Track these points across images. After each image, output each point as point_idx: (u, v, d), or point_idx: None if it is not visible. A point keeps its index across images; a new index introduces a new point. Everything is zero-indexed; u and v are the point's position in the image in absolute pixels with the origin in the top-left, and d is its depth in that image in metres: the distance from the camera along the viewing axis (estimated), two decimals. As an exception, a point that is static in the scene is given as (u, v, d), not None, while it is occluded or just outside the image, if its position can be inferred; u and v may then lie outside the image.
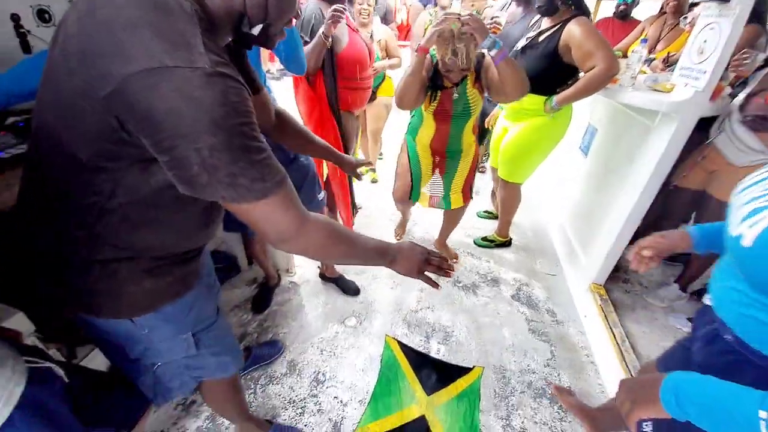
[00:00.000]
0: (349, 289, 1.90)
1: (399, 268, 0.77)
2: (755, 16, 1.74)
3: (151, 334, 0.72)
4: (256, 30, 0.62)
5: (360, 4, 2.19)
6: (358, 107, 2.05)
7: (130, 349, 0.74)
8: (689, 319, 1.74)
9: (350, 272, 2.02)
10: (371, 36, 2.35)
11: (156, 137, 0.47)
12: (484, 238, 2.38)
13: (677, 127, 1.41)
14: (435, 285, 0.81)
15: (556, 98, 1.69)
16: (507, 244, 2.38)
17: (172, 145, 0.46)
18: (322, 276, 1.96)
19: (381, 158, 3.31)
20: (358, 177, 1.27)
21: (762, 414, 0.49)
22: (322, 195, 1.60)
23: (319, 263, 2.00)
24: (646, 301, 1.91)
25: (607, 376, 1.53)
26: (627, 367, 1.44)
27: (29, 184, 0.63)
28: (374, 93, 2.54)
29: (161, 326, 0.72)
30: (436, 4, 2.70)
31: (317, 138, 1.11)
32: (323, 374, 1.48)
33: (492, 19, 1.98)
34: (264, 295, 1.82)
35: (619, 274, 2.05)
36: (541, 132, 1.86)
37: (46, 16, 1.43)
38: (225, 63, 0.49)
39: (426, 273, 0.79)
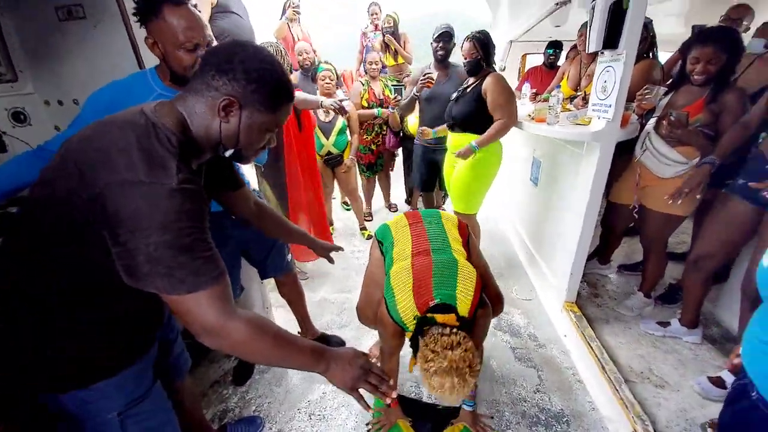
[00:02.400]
0: (333, 345, 1.87)
1: (332, 378, 0.74)
2: (648, 53, 2.11)
3: (78, 411, 0.73)
4: (229, 153, 0.76)
5: (322, 80, 2.56)
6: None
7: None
8: (659, 323, 1.84)
9: (333, 327, 2.00)
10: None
11: (116, 231, 0.58)
12: None
13: (601, 152, 1.63)
14: (366, 407, 0.77)
15: (474, 142, 2.05)
16: None
17: (127, 238, 0.58)
18: None
19: (370, 220, 3.46)
20: (330, 260, 1.39)
21: None
22: (289, 257, 1.67)
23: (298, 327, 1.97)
24: (617, 312, 2.00)
25: (594, 392, 1.56)
26: (609, 378, 1.49)
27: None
28: (340, 157, 2.76)
29: (90, 404, 0.74)
30: (366, 72, 3.05)
31: (293, 225, 1.28)
32: (314, 440, 1.41)
33: (425, 75, 2.30)
34: (245, 364, 1.75)
35: (589, 290, 2.17)
36: (480, 167, 2.15)
37: (22, 116, 1.52)
38: (190, 181, 0.63)
39: (359, 390, 0.76)
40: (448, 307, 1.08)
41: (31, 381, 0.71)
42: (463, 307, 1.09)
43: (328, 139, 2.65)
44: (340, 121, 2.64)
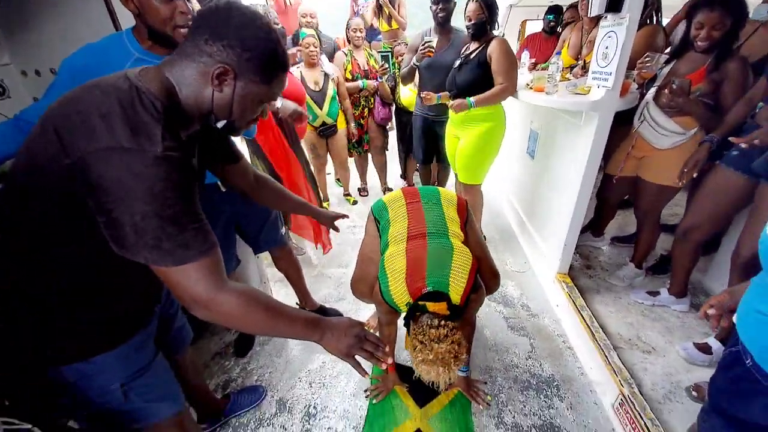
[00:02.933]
0: (331, 316, 1.90)
1: (327, 346, 0.75)
2: (652, 18, 2.03)
3: (80, 383, 0.75)
4: (221, 124, 0.73)
5: (306, 47, 2.40)
6: (300, 137, 2.27)
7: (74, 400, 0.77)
8: (649, 293, 1.88)
9: (330, 301, 2.03)
10: (325, 74, 2.53)
11: (100, 200, 0.56)
12: None
13: (599, 122, 1.60)
14: (363, 372, 0.78)
15: (472, 99, 1.98)
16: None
17: (112, 207, 0.56)
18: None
19: (366, 195, 3.43)
20: (336, 229, 1.37)
21: None
22: (283, 231, 1.66)
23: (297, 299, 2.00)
24: (608, 282, 2.04)
25: (583, 357, 1.62)
26: (599, 345, 1.54)
27: None
28: (335, 127, 2.70)
29: (91, 376, 0.75)
30: (349, 41, 2.89)
31: (294, 195, 1.25)
32: (314, 407, 1.47)
33: (425, 43, 2.19)
34: (245, 336, 1.79)
35: (582, 262, 2.20)
36: (488, 136, 2.12)
37: (0, 89, 1.46)
38: (176, 149, 0.60)
39: (356, 357, 0.76)
40: (441, 295, 1.09)
41: (35, 354, 0.71)
42: (456, 294, 1.10)
43: (321, 109, 2.56)
44: (331, 88, 2.55)
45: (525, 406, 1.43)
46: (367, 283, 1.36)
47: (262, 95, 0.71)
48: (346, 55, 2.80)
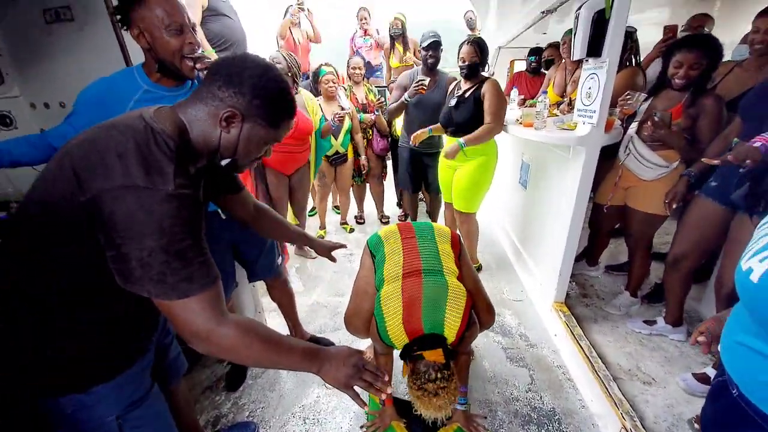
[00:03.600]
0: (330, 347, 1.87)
1: (326, 377, 0.74)
2: (631, 60, 2.18)
3: (77, 414, 0.73)
4: (225, 162, 0.77)
5: (326, 83, 2.58)
6: (286, 170, 2.33)
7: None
8: (645, 322, 1.89)
9: (326, 330, 1.99)
10: (342, 109, 2.63)
11: (110, 235, 0.58)
12: None
13: (586, 156, 1.68)
14: (362, 404, 0.77)
15: (462, 141, 2.13)
16: (479, 269, 2.59)
17: (121, 242, 0.58)
18: None
19: (362, 223, 3.47)
20: (333, 259, 1.38)
21: None
22: (280, 260, 1.67)
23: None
24: (605, 311, 2.05)
25: (583, 389, 1.59)
26: (599, 376, 1.52)
27: None
28: (345, 156, 2.86)
29: (89, 407, 0.74)
30: (349, 78, 3.04)
31: (292, 225, 1.28)
32: (308, 444, 1.41)
33: (418, 81, 2.35)
34: (237, 370, 1.73)
35: (578, 290, 2.21)
36: (483, 168, 2.25)
37: (7, 120, 1.50)
38: (187, 186, 0.63)
39: (355, 388, 0.76)
40: (436, 338, 1.11)
41: (31, 383, 0.70)
42: (451, 332, 1.13)
43: (336, 139, 2.73)
44: (347, 122, 2.70)
45: (527, 442, 1.39)
46: (361, 317, 1.36)
47: (267, 137, 0.76)
48: (346, 90, 2.96)
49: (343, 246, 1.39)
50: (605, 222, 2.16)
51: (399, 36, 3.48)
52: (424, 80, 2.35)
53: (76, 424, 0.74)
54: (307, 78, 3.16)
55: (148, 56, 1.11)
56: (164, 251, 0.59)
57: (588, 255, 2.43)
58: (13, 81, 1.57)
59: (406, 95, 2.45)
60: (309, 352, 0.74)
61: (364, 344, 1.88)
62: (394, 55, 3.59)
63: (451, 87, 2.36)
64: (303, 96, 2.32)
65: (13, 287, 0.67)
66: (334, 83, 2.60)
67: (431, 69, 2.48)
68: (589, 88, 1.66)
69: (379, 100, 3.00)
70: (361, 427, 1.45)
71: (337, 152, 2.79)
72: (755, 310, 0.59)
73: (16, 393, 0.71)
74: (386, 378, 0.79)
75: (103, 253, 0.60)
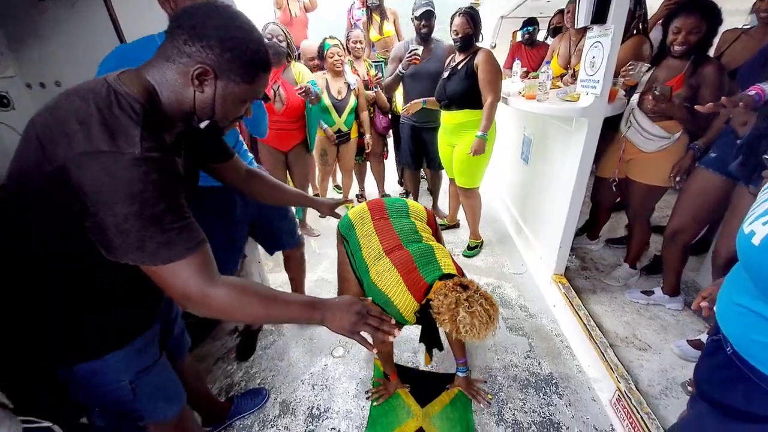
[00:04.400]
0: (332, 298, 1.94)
1: (331, 325, 0.74)
2: (638, 29, 2.11)
3: (92, 380, 0.77)
4: (203, 124, 0.73)
5: (331, 57, 2.47)
6: (282, 146, 2.34)
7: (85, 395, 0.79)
8: (643, 292, 1.93)
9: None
10: (348, 85, 2.57)
11: (83, 204, 0.57)
12: (469, 247, 2.58)
13: (588, 127, 1.66)
14: (369, 347, 0.78)
15: (480, 132, 2.07)
16: (481, 245, 2.61)
17: (95, 211, 0.57)
18: None
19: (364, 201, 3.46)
20: (337, 216, 1.37)
21: None
22: (299, 231, 1.71)
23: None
24: (604, 283, 2.09)
25: (581, 356, 1.65)
26: (596, 343, 1.57)
27: None
28: (349, 135, 2.77)
29: (103, 373, 0.78)
30: (349, 52, 2.88)
31: (290, 188, 1.22)
32: (317, 408, 1.48)
33: (411, 51, 2.30)
34: (248, 342, 1.81)
35: (578, 263, 2.25)
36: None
37: (5, 100, 1.49)
38: (157, 149, 0.60)
39: (361, 333, 0.76)
40: (444, 277, 1.12)
41: (49, 353, 0.74)
42: (451, 270, 1.16)
43: (340, 116, 2.63)
44: (353, 100, 2.62)
45: (525, 404, 1.46)
46: None
47: (244, 95, 0.71)
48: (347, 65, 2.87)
49: (349, 201, 1.36)
50: (606, 196, 2.16)
51: (376, 7, 3.33)
52: (417, 50, 2.29)
53: (93, 389, 0.79)
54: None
55: None
56: (138, 217, 0.57)
57: (589, 229, 2.45)
58: (7, 61, 1.55)
59: (400, 67, 2.39)
60: (308, 303, 0.75)
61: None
62: (373, 27, 3.46)
63: (448, 59, 2.30)
64: (293, 69, 2.24)
65: (18, 262, 0.69)
66: (340, 57, 2.47)
67: (424, 39, 2.41)
68: (593, 57, 1.62)
69: (376, 75, 2.93)
70: (367, 392, 1.53)
71: (340, 130, 2.71)
72: (755, 272, 0.59)
73: (39, 365, 0.76)
74: (392, 321, 0.78)
75: (82, 225, 0.59)
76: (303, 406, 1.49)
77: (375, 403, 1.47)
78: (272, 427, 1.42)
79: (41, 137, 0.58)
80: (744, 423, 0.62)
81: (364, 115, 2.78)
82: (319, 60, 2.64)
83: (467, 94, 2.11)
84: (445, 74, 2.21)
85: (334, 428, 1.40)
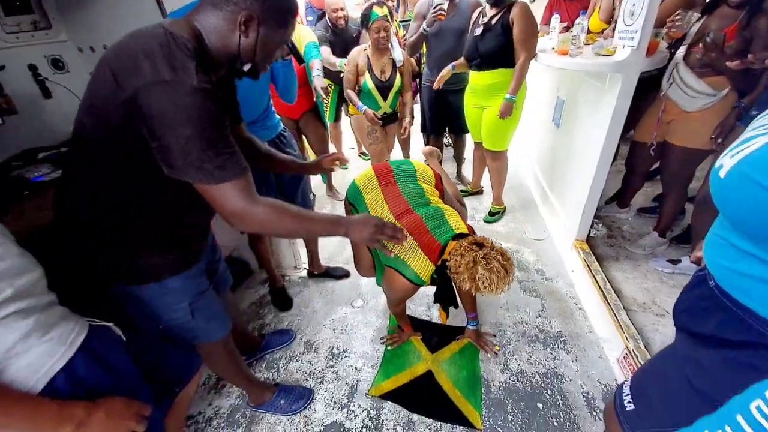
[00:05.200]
0: (339, 275, 2.07)
1: (354, 237, 0.89)
2: None
3: (155, 301, 0.90)
4: (246, 67, 0.81)
5: (377, 33, 2.11)
6: (293, 114, 2.33)
7: (148, 315, 0.92)
8: (670, 261, 1.87)
9: (339, 262, 2.19)
10: (393, 63, 2.27)
11: (151, 127, 0.66)
12: (491, 213, 2.57)
13: (622, 84, 1.57)
14: (387, 251, 0.94)
15: (507, 95, 2.02)
16: (503, 211, 2.60)
17: (161, 134, 0.65)
18: (310, 274, 2.10)
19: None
20: (330, 170, 1.34)
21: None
22: (312, 197, 1.81)
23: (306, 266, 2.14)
24: (628, 251, 2.04)
25: (593, 317, 1.67)
26: (609, 305, 1.58)
27: (65, 182, 0.83)
28: (396, 115, 2.50)
29: (165, 295, 0.91)
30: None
31: (280, 154, 1.26)
32: (337, 348, 1.64)
33: (437, 6, 2.17)
34: (282, 296, 1.95)
35: (604, 231, 2.19)
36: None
37: (60, 64, 1.64)
38: (209, 83, 0.68)
39: (379, 240, 0.91)
40: (457, 237, 1.19)
41: (117, 273, 0.87)
42: (462, 229, 1.22)
43: (385, 100, 2.34)
44: (398, 80, 2.31)
45: (531, 356, 1.53)
46: (364, 266, 1.53)
47: (280, 39, 0.80)
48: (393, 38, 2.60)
49: (337, 158, 1.28)
50: (643, 161, 2.04)
51: None
52: (442, 4, 2.16)
53: (156, 310, 0.92)
54: (321, 18, 2.78)
55: None
56: (198, 138, 0.66)
57: (620, 197, 2.35)
58: (60, 26, 1.69)
59: (424, 24, 2.28)
60: (335, 220, 0.88)
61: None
62: None
63: (474, 15, 2.17)
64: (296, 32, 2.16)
65: (88, 198, 0.80)
66: (386, 32, 2.10)
67: None
68: (633, 5, 1.50)
69: (404, 35, 2.82)
70: (382, 338, 1.66)
71: (385, 112, 2.40)
72: (721, 203, 0.61)
73: (92, 279, 0.89)
74: (404, 231, 0.93)
75: (149, 147, 0.68)
76: (325, 346, 1.66)
77: (389, 348, 1.60)
78: (297, 361, 1.59)
79: (114, 70, 0.66)
80: (714, 348, 0.64)
81: (408, 96, 2.42)
82: (364, 28, 2.30)
83: (502, 51, 2.00)
84: (478, 31, 2.08)
85: (351, 365, 1.55)
